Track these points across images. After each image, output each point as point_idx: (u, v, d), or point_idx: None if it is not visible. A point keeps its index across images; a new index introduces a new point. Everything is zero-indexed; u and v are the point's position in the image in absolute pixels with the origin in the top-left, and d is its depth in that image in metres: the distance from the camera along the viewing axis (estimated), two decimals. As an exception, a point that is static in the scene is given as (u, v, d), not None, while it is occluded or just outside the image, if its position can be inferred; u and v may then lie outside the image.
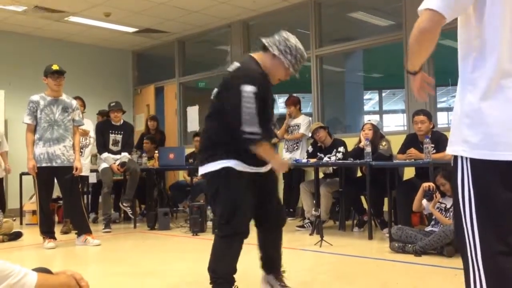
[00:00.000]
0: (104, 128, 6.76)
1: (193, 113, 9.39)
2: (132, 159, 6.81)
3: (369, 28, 8.09)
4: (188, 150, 7.81)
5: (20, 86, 8.41)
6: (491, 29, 1.62)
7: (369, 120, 5.85)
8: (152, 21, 8.49)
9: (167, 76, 9.98)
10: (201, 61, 10.47)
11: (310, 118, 7.29)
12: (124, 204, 6.58)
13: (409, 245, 4.28)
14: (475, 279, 1.64)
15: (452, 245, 4.11)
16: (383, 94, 15.21)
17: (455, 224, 1.73)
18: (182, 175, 8.31)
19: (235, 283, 2.88)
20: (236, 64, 2.91)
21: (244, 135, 2.71)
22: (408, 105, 6.72)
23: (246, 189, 2.85)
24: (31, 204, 7.14)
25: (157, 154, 7.07)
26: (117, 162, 6.59)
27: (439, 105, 12.74)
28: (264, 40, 2.95)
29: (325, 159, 5.95)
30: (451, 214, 4.32)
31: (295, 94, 7.35)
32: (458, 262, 3.78)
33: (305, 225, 6.02)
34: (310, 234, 5.48)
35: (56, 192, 6.04)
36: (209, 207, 5.78)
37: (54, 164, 5.19)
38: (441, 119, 12.58)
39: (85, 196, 7.01)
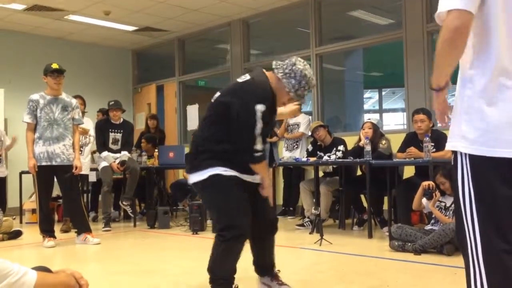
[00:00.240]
0: (103, 127, 6.76)
1: (193, 111, 9.38)
2: (132, 157, 6.81)
3: (369, 26, 8.08)
4: (188, 149, 7.79)
5: (20, 85, 8.41)
6: (489, 26, 1.62)
7: (369, 119, 5.85)
8: (152, 20, 8.48)
9: (167, 74, 9.98)
10: (201, 60, 10.47)
11: (310, 117, 7.29)
12: (124, 202, 6.58)
13: (409, 244, 4.29)
14: (475, 275, 1.64)
15: (451, 244, 4.12)
16: (383, 93, 15.19)
17: (456, 220, 1.74)
18: (182, 174, 8.31)
19: (235, 283, 2.88)
20: (248, 76, 2.86)
21: (255, 153, 2.74)
22: (408, 104, 6.72)
23: (239, 190, 2.81)
24: (31, 202, 7.14)
25: (157, 153, 7.07)
26: (117, 161, 6.58)
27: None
28: (274, 62, 2.89)
29: (325, 157, 5.94)
30: (451, 212, 4.32)
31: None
32: (457, 260, 3.79)
33: (305, 224, 6.02)
34: (310, 233, 5.48)
35: (56, 191, 6.03)
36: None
37: (54, 163, 5.19)
38: (441, 118, 12.54)
39: (85, 195, 7.01)
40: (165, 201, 7.51)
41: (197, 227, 5.83)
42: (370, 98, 15.47)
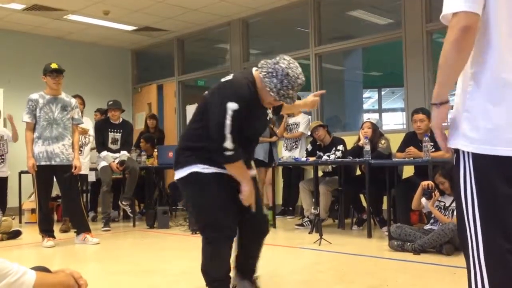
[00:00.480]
0: (103, 127, 6.76)
1: (192, 111, 9.36)
2: (131, 157, 6.81)
3: (368, 26, 8.09)
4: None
5: (19, 84, 8.41)
6: (490, 25, 1.61)
7: (368, 119, 5.85)
8: (151, 19, 8.48)
9: (166, 74, 9.97)
10: (201, 60, 10.46)
11: (309, 117, 7.29)
12: (123, 202, 6.58)
13: (408, 243, 4.28)
14: (476, 275, 1.62)
15: (451, 243, 4.12)
16: (383, 93, 15.18)
17: (457, 220, 1.72)
18: (181, 174, 8.28)
19: (233, 283, 2.88)
20: (230, 76, 2.79)
21: (225, 152, 2.60)
22: (407, 104, 6.72)
23: (218, 187, 2.73)
24: (30, 202, 7.14)
25: (156, 153, 7.07)
26: (116, 161, 6.59)
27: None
28: (262, 61, 2.75)
29: (324, 157, 5.94)
30: (450, 212, 4.32)
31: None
32: (456, 260, 3.80)
33: (304, 224, 6.02)
34: (309, 233, 5.48)
35: (55, 191, 6.03)
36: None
37: (53, 163, 5.19)
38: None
39: (84, 195, 7.01)
40: (165, 201, 7.51)
41: (196, 227, 5.83)
42: (370, 98, 15.46)
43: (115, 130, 6.76)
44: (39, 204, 5.25)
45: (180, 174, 2.79)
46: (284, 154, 7.03)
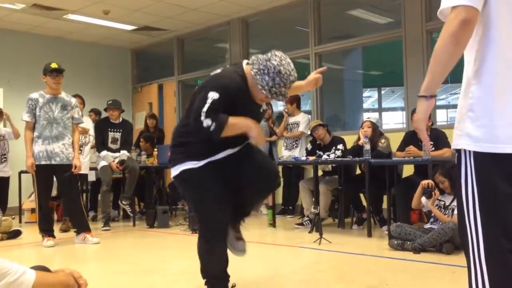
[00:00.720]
0: (103, 126, 6.76)
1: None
2: (131, 157, 6.81)
3: (368, 25, 8.08)
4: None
5: (19, 84, 8.40)
6: (491, 21, 1.60)
7: (368, 118, 5.85)
8: (151, 19, 8.48)
9: (166, 74, 9.97)
10: (200, 59, 10.46)
11: (309, 116, 7.30)
12: (123, 202, 6.58)
13: (408, 243, 4.28)
14: (477, 274, 1.62)
15: (451, 242, 4.12)
16: (382, 92, 15.18)
17: (458, 219, 1.72)
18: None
19: (231, 282, 2.87)
20: (219, 70, 2.77)
21: (208, 130, 2.53)
22: (407, 103, 6.72)
23: (213, 180, 2.69)
24: (30, 202, 7.14)
25: (156, 152, 7.07)
26: (116, 160, 6.58)
27: (438, 103, 12.67)
28: (252, 57, 2.69)
29: (324, 156, 5.94)
30: (450, 211, 4.32)
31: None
32: (456, 259, 3.80)
33: (304, 223, 6.03)
34: (309, 232, 5.48)
35: (55, 190, 6.03)
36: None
37: (53, 162, 5.19)
38: (440, 116, 12.55)
39: (84, 194, 7.01)
40: (165, 201, 7.51)
41: (196, 226, 5.83)
42: (369, 97, 15.46)
43: (115, 130, 6.76)
44: (39, 204, 5.24)
45: (174, 171, 2.79)
46: (284, 153, 7.03)
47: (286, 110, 7.17)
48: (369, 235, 5.18)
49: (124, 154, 6.65)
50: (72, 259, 4.76)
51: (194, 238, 5.59)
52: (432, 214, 4.48)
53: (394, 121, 15.65)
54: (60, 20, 8.35)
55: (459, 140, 1.67)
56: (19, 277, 1.54)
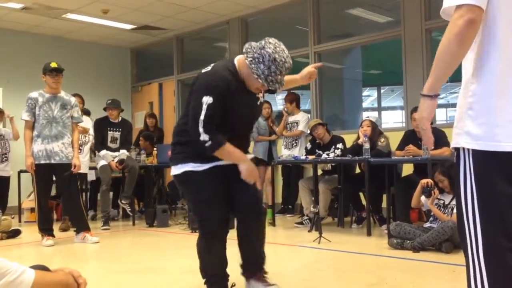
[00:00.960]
0: (102, 126, 6.76)
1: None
2: (130, 156, 6.81)
3: (367, 24, 8.08)
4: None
5: (19, 83, 8.40)
6: (492, 21, 1.59)
7: (368, 117, 5.85)
8: (150, 18, 8.47)
9: (165, 73, 9.97)
10: (200, 58, 10.45)
11: (309, 115, 7.30)
12: (122, 201, 6.58)
13: (408, 242, 4.29)
14: (475, 273, 1.62)
15: (450, 241, 4.12)
16: (382, 91, 15.18)
17: (457, 218, 1.71)
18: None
19: (231, 281, 2.87)
20: (209, 67, 2.74)
21: (204, 144, 2.56)
22: (406, 102, 6.72)
23: (213, 184, 2.71)
24: (29, 201, 7.13)
25: (155, 151, 7.07)
26: (116, 160, 6.59)
27: (437, 102, 12.70)
28: (246, 44, 2.67)
29: (324, 155, 5.94)
30: (450, 210, 4.33)
31: (293, 91, 7.34)
32: (456, 258, 3.80)
33: (303, 222, 6.03)
34: (309, 231, 5.48)
35: (55, 190, 6.02)
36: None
37: (52, 161, 5.18)
38: (440, 115, 12.56)
39: (83, 194, 7.01)
40: (164, 200, 7.51)
41: (195, 226, 5.82)
42: (369, 96, 15.46)
43: (115, 129, 6.77)
44: (39, 203, 5.24)
45: (174, 171, 2.80)
46: (284, 152, 7.04)
47: (285, 109, 7.18)
48: (369, 234, 5.18)
49: (123, 153, 6.66)
50: (71, 258, 4.76)
51: (193, 237, 5.59)
52: (432, 213, 4.48)
53: (393, 120, 15.67)
54: (60, 20, 8.34)
55: (458, 139, 1.66)
56: (19, 276, 1.54)
